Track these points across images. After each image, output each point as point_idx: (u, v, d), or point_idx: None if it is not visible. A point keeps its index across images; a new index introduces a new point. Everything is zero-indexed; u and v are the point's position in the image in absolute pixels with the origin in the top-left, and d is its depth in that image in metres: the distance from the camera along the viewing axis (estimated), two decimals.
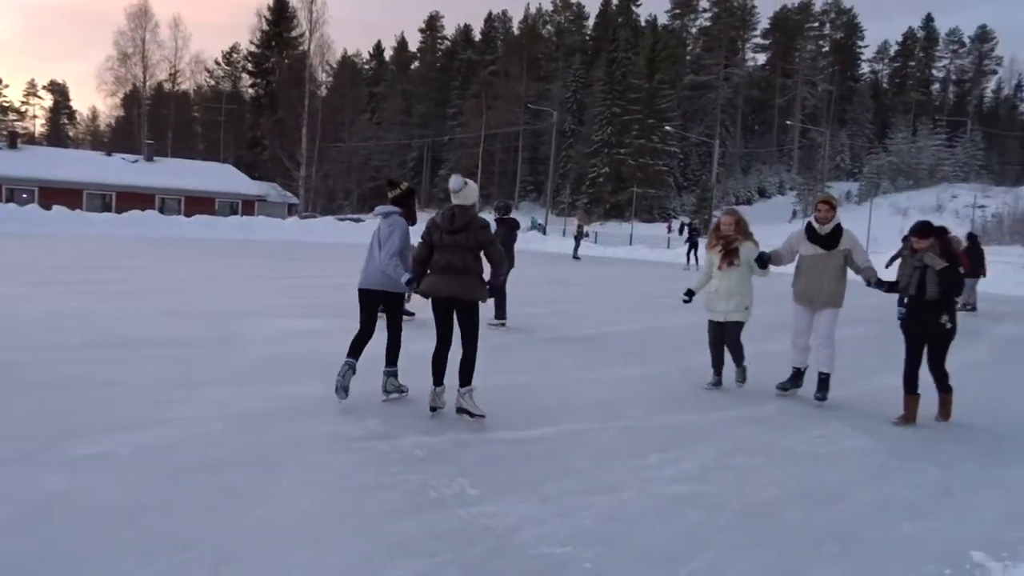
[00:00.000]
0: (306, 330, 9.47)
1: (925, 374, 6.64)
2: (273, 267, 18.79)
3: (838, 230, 7.02)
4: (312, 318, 10.40)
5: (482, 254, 5.81)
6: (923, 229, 6.51)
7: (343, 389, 5.89)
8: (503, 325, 10.47)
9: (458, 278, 5.65)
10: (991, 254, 37.87)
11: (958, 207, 64.09)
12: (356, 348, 6.09)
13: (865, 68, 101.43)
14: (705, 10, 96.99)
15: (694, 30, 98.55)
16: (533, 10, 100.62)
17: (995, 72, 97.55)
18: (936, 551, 3.97)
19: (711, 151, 75.60)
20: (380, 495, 4.24)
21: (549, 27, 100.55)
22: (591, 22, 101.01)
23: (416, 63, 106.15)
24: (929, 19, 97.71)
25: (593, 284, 18.05)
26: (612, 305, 14.17)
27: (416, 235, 5.90)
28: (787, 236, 7.52)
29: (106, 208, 40.97)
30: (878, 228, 47.53)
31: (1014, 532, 4.30)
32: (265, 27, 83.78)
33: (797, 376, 7.38)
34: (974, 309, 17.05)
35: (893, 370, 9.00)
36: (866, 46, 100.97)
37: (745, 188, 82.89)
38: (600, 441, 5.56)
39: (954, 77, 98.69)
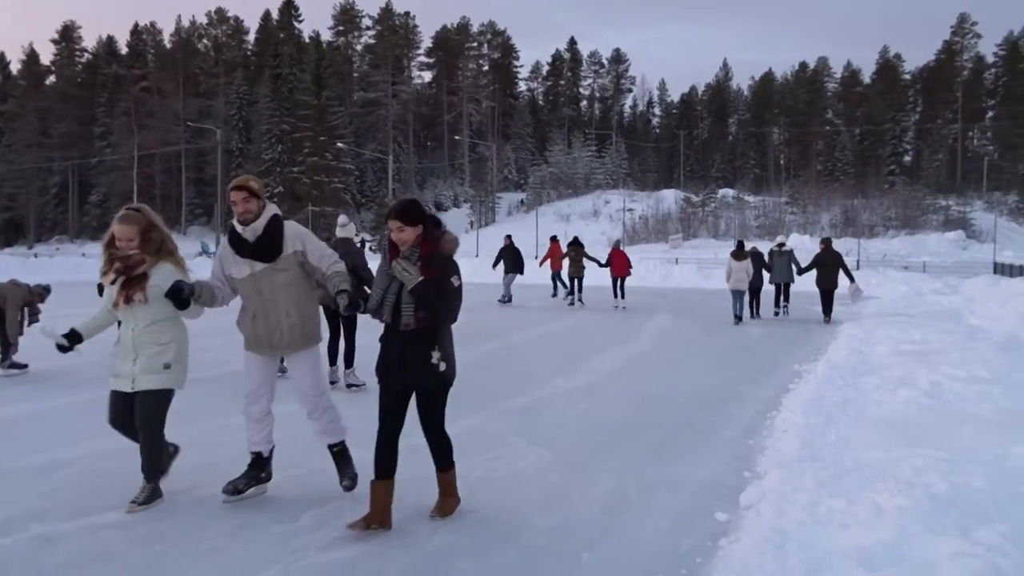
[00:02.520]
0: None
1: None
2: None
3: (275, 227, 4.56)
4: None
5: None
6: (404, 210, 4.08)
7: None
8: None
9: None
10: (640, 252, 41.67)
11: (611, 211, 70.58)
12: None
13: (523, 86, 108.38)
14: (368, 28, 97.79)
15: (359, 47, 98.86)
16: (186, 23, 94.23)
17: (631, 90, 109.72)
18: None
19: (386, 167, 76.17)
20: None
21: (206, 41, 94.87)
22: (252, 37, 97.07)
23: (52, 77, 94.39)
24: (573, 42, 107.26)
25: None
26: None
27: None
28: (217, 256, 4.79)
29: None
30: (545, 234, 50.61)
31: (689, 540, 4.10)
32: None
33: (258, 465, 4.75)
34: (509, 301, 18.86)
35: (567, 372, 9.06)
36: (521, 66, 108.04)
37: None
38: (244, 505, 4.59)
39: (598, 95, 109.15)
